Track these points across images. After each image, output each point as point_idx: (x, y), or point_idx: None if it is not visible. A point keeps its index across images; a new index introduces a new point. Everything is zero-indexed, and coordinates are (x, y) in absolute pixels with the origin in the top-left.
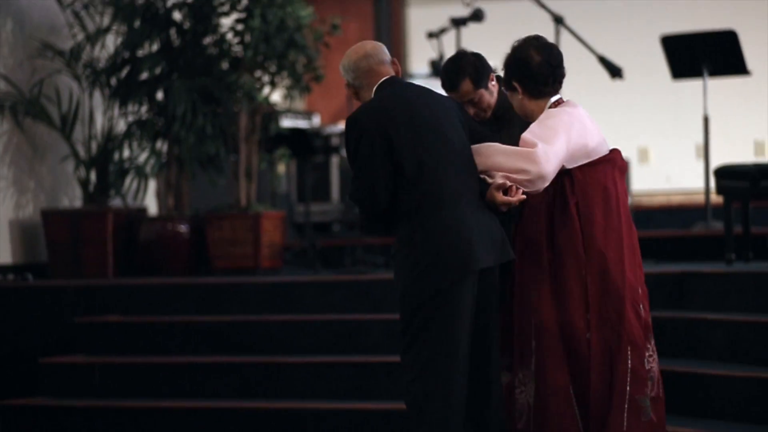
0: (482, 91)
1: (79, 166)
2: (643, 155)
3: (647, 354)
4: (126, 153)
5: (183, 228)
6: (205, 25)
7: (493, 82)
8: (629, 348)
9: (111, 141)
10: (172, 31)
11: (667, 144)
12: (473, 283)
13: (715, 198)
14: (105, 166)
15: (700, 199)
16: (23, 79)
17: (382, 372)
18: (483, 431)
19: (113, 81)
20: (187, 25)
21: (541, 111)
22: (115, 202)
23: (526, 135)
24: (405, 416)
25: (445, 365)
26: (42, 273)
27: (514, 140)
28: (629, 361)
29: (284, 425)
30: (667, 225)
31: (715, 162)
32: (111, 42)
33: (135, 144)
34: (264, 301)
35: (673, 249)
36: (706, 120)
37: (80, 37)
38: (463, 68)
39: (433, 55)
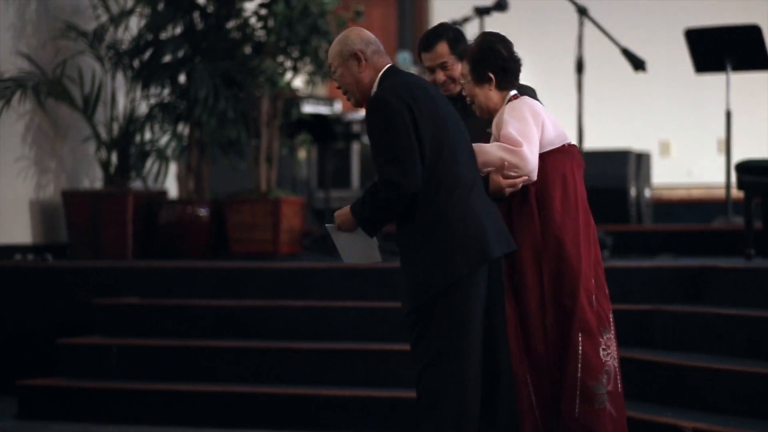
0: (455, 58)
1: (101, 147)
2: (665, 148)
3: (601, 346)
4: (147, 135)
5: (203, 212)
6: (228, 9)
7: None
8: (581, 334)
9: (132, 123)
10: (196, 15)
11: (689, 138)
12: (486, 273)
13: (736, 193)
14: (126, 148)
15: (721, 193)
16: (46, 59)
17: (398, 360)
18: (495, 426)
19: (136, 63)
20: (210, 8)
21: (502, 103)
22: (136, 185)
23: (510, 132)
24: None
25: (460, 356)
26: (61, 254)
27: (476, 131)
28: (580, 347)
29: (299, 411)
30: (687, 219)
31: (737, 157)
32: (134, 24)
33: (156, 127)
34: (282, 287)
35: (692, 243)
36: (728, 114)
37: (104, 18)
38: (443, 32)
39: None
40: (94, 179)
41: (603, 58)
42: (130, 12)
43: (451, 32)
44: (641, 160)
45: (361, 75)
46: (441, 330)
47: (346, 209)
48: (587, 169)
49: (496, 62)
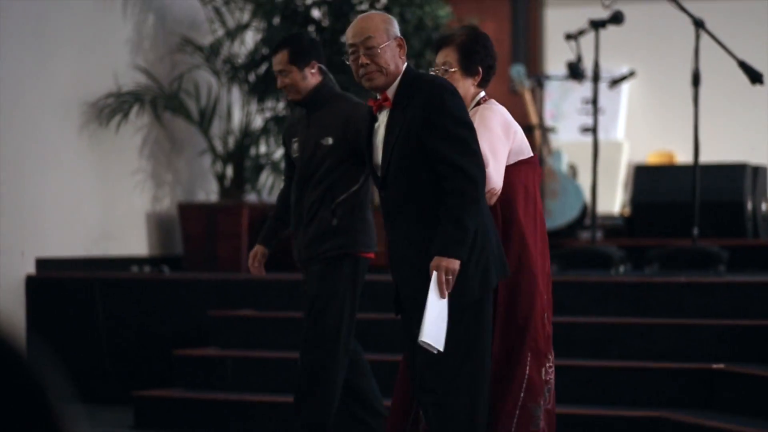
0: (295, 68)
1: (216, 160)
2: None
3: (547, 364)
4: (262, 149)
5: None
6: (343, 23)
7: (314, 70)
8: (530, 354)
9: (248, 136)
10: (311, 29)
11: None
12: None
13: None
14: (241, 161)
15: None
16: (163, 73)
17: None
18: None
19: (251, 77)
20: (325, 22)
21: (471, 101)
22: (251, 197)
23: (483, 148)
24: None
25: (484, 365)
26: (177, 266)
27: (318, 128)
28: (527, 368)
29: None
30: None
31: None
32: (250, 38)
33: (271, 140)
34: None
35: None
36: None
37: (220, 32)
38: (288, 41)
39: (571, 56)
40: (209, 192)
41: (719, 71)
42: (246, 26)
43: (296, 44)
44: (758, 173)
45: (397, 61)
46: (471, 340)
47: (439, 261)
48: (703, 182)
49: (486, 58)
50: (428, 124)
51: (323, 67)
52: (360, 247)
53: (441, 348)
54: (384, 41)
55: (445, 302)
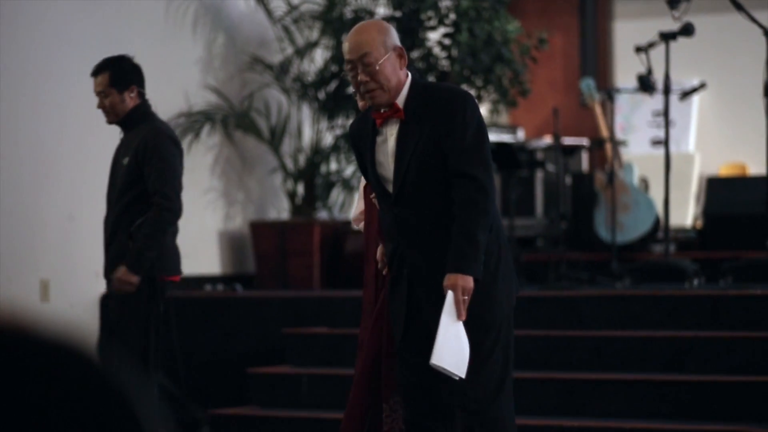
0: (115, 91)
1: (287, 178)
2: None
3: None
4: (333, 166)
5: None
6: (412, 39)
7: (133, 94)
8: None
9: (318, 154)
10: None
11: None
12: None
13: None
14: (312, 178)
15: None
16: (234, 92)
17: (588, 389)
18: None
19: (321, 95)
20: None
21: None
22: (322, 215)
23: None
24: None
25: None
26: (249, 284)
27: (124, 148)
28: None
29: None
30: None
31: None
32: (319, 56)
33: (342, 157)
34: None
35: None
36: None
37: (289, 51)
38: (110, 64)
39: (640, 69)
40: (280, 210)
41: None
42: (315, 44)
43: (116, 66)
44: None
45: (399, 73)
46: (503, 351)
47: (455, 279)
48: None
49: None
50: (448, 134)
51: (143, 91)
52: (159, 271)
53: (460, 373)
54: (382, 56)
55: (460, 324)
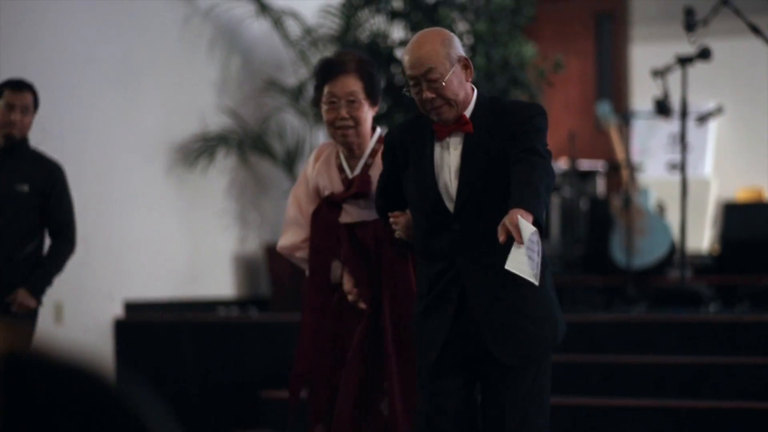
0: (34, 112)
1: None
2: None
3: None
4: None
5: None
6: None
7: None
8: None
9: None
10: (395, 68)
11: None
12: None
13: None
14: None
15: None
16: (249, 114)
17: (602, 415)
18: None
19: None
20: None
21: None
22: None
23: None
24: None
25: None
26: (264, 306)
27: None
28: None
29: None
30: None
31: None
32: None
33: None
34: None
35: None
36: None
37: (304, 73)
38: (31, 85)
39: (656, 93)
40: None
41: None
42: None
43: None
44: None
45: (466, 86)
46: (545, 386)
47: (519, 214)
48: None
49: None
50: (513, 137)
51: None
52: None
53: (533, 279)
54: (447, 70)
55: (535, 238)
